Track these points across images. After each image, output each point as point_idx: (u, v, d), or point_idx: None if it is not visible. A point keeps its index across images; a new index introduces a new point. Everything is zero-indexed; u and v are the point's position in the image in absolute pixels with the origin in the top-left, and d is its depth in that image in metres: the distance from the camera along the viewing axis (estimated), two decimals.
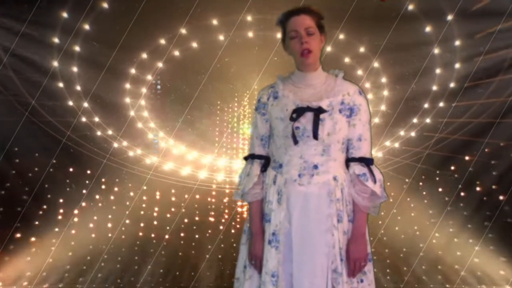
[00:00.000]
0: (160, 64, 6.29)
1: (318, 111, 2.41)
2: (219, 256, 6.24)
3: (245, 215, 6.45)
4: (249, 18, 6.06)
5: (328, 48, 5.91)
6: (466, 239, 6.08)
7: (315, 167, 2.43)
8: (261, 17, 6.07)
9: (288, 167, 2.45)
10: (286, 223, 2.43)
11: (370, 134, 2.54)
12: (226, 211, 6.55)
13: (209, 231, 6.43)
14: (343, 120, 2.46)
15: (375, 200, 2.47)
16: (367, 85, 6.18)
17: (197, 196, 6.32)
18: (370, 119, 2.55)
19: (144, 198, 6.24)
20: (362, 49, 6.23)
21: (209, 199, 6.49)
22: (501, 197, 6.02)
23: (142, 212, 6.32)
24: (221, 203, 6.53)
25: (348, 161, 2.52)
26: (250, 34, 6.20)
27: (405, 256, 6.21)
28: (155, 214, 6.42)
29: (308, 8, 2.50)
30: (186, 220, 6.33)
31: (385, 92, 6.33)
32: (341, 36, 6.03)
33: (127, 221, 6.16)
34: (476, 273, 5.95)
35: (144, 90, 6.36)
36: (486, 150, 5.93)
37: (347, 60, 6.22)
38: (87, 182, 6.11)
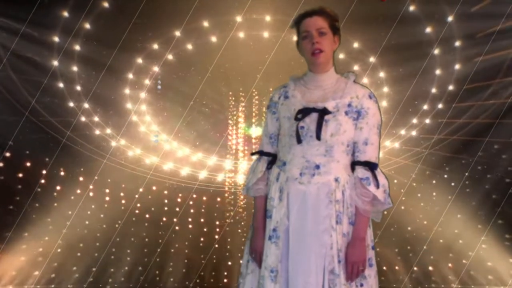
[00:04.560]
0: (156, 69, 6.29)
1: (323, 112, 2.43)
2: (218, 255, 6.26)
3: (244, 216, 6.46)
4: (249, 19, 6.05)
5: None
6: (466, 240, 6.08)
7: (317, 167, 2.44)
8: (262, 17, 6.07)
9: (290, 165, 2.48)
10: (285, 220, 2.44)
11: (377, 139, 2.52)
12: (229, 208, 6.54)
13: (208, 230, 6.44)
14: (349, 123, 2.46)
15: (377, 206, 2.47)
16: (365, 80, 6.16)
17: (195, 196, 6.33)
18: (379, 123, 2.53)
19: (143, 198, 6.24)
20: (361, 48, 6.22)
21: (208, 198, 6.49)
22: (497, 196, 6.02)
23: (137, 212, 6.33)
24: (220, 203, 6.52)
25: (353, 164, 2.51)
26: (250, 35, 6.19)
27: (404, 256, 6.22)
28: (154, 213, 6.42)
29: (321, 10, 2.52)
30: (184, 220, 6.33)
31: (385, 88, 6.33)
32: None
33: (126, 221, 6.16)
34: (475, 273, 5.96)
35: (143, 93, 6.37)
36: (480, 151, 5.94)
37: (342, 57, 6.21)
38: (86, 182, 6.11)
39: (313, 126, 2.43)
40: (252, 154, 2.70)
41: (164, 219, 6.39)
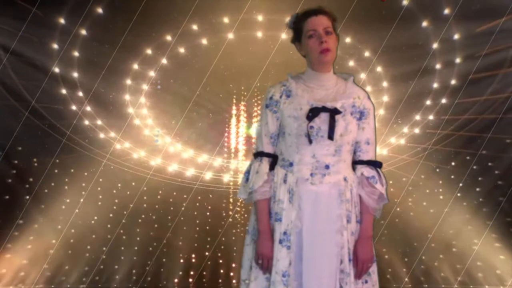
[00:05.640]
0: (163, 61, 6.28)
1: (333, 112, 2.44)
2: (218, 255, 6.26)
3: (243, 216, 6.45)
4: (248, 18, 6.06)
5: None
6: (466, 240, 6.09)
7: (327, 167, 2.45)
8: (262, 17, 6.08)
9: (299, 166, 2.46)
10: (298, 223, 2.43)
11: (376, 139, 2.59)
12: (230, 207, 6.53)
13: (208, 229, 6.44)
14: (353, 123, 2.50)
15: (381, 203, 2.51)
16: (368, 88, 6.17)
17: (199, 196, 6.34)
18: (375, 124, 2.60)
19: (144, 198, 6.24)
20: (362, 50, 6.23)
21: (207, 198, 6.48)
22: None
23: (143, 215, 6.33)
24: (220, 202, 6.52)
25: (356, 163, 2.55)
26: (250, 35, 6.20)
27: (405, 257, 6.22)
28: (155, 213, 6.42)
29: (324, 9, 2.54)
30: (185, 220, 6.33)
31: (385, 98, 6.34)
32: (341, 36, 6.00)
33: (126, 221, 6.15)
34: (477, 272, 5.97)
35: (145, 87, 6.37)
36: (468, 157, 6.01)
37: (351, 63, 6.22)
38: (86, 182, 6.11)
39: (323, 126, 2.43)
40: (255, 155, 2.60)
41: (163, 219, 6.38)
